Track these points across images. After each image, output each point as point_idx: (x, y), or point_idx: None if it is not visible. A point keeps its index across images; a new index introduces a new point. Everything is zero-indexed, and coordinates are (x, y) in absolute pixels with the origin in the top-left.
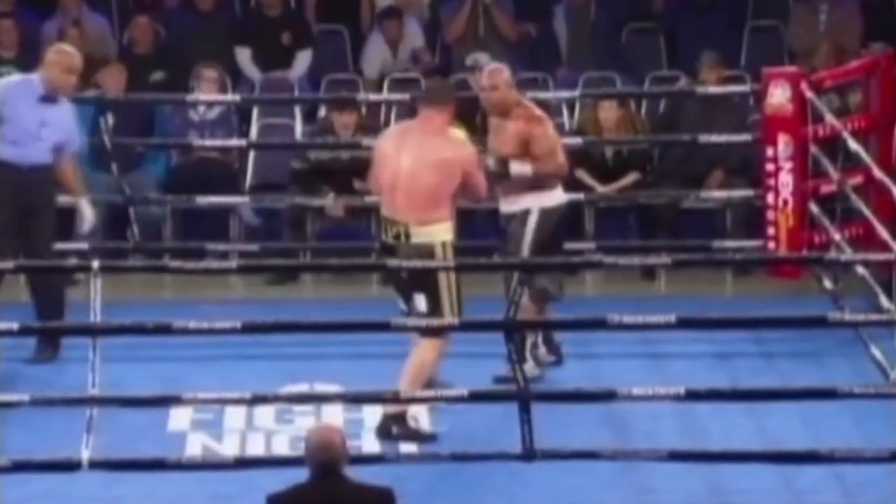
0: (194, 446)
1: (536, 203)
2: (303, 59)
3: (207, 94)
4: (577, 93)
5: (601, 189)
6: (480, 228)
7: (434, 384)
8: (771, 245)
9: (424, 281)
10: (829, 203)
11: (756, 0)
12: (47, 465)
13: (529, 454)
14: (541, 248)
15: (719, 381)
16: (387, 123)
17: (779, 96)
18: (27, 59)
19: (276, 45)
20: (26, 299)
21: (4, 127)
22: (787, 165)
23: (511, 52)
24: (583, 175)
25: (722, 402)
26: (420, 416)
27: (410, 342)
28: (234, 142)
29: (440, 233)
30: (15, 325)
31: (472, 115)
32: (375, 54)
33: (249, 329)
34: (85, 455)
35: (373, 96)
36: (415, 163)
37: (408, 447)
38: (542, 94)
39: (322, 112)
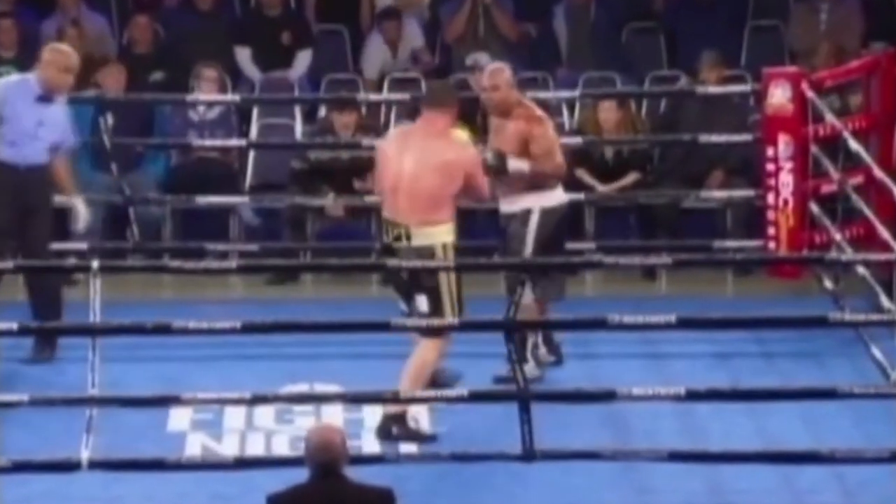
0: (194, 446)
1: (537, 203)
2: (303, 59)
3: (207, 94)
4: (577, 93)
5: (601, 188)
6: (480, 228)
7: (443, 376)
8: (771, 245)
9: (425, 282)
10: (830, 203)
11: (756, 0)
12: (47, 466)
13: (529, 454)
14: (543, 248)
15: (720, 381)
16: (387, 123)
17: (779, 96)
18: (26, 58)
19: (275, 44)
20: (24, 299)
21: (4, 127)
22: (788, 165)
23: (511, 51)
24: (583, 174)
25: (722, 402)
26: (420, 417)
27: (412, 342)
28: (234, 142)
29: (441, 234)
30: (14, 325)
31: (472, 115)
32: (375, 55)
33: (249, 329)
34: (84, 455)
35: (373, 96)
36: (416, 165)
37: (408, 447)
38: (542, 94)
39: (322, 112)
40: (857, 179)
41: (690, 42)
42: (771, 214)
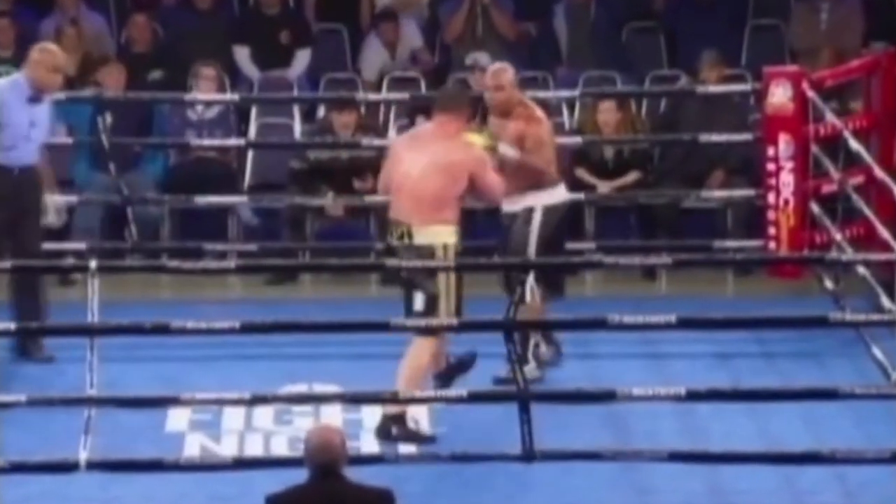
0: (192, 447)
1: (540, 201)
2: (302, 59)
3: (206, 94)
4: (577, 92)
5: (602, 188)
6: (481, 228)
7: (455, 364)
8: (772, 245)
9: (422, 281)
10: (831, 203)
11: None
12: (45, 466)
13: (529, 455)
14: (545, 246)
15: (720, 381)
16: (386, 123)
17: (780, 95)
18: (24, 58)
19: (274, 43)
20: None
21: (2, 133)
22: (788, 165)
23: (510, 51)
24: (583, 174)
25: (722, 402)
26: (420, 418)
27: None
28: (233, 141)
29: (443, 235)
30: (12, 326)
31: (472, 115)
32: (373, 57)
33: (248, 329)
34: (83, 456)
35: (372, 96)
36: (422, 166)
37: (407, 448)
38: (542, 94)
39: (321, 111)
40: (858, 179)
41: (691, 41)
42: (771, 214)
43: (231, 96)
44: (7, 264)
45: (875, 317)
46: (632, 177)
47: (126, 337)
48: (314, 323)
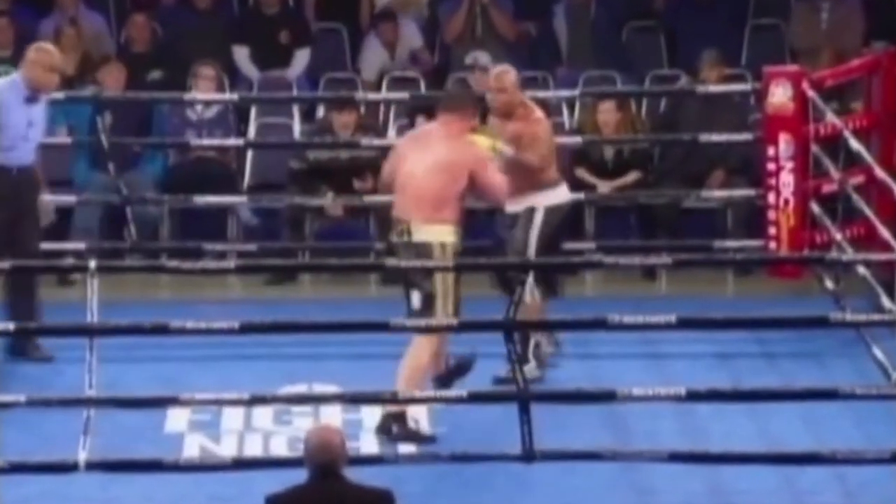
0: (192, 447)
1: (542, 201)
2: (301, 58)
3: (205, 93)
4: (577, 92)
5: (602, 187)
6: (480, 229)
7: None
8: (772, 245)
9: (420, 278)
10: (831, 203)
11: None
12: (44, 467)
13: (529, 455)
14: (545, 247)
15: (720, 381)
16: (385, 123)
17: (780, 95)
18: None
19: (274, 43)
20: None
21: (2, 134)
22: (789, 165)
23: (510, 51)
24: (583, 174)
25: (723, 402)
26: (420, 418)
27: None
28: (232, 141)
29: (441, 234)
30: (11, 326)
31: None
32: (373, 57)
33: (247, 329)
34: (82, 456)
35: (371, 95)
36: (423, 164)
37: (407, 448)
38: (542, 94)
39: (320, 111)
40: (858, 179)
41: (691, 41)
42: (771, 214)
43: (230, 96)
44: (6, 264)
45: (875, 317)
46: (632, 177)
47: (125, 337)
48: (314, 323)
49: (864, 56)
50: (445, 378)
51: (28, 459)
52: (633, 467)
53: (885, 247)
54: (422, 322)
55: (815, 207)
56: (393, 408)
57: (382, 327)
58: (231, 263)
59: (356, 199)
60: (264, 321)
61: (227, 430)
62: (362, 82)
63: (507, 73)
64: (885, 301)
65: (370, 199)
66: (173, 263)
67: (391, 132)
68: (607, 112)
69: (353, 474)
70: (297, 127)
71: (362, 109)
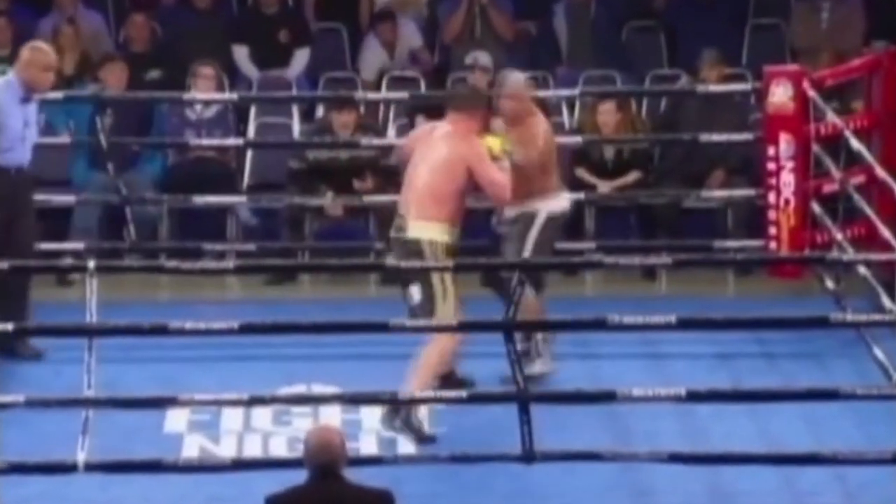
0: (191, 448)
1: (543, 207)
2: (301, 58)
3: (204, 93)
4: (577, 91)
5: (602, 187)
6: (480, 229)
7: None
8: (772, 245)
9: (417, 273)
10: (831, 202)
11: None
12: (43, 467)
13: (529, 456)
14: (540, 252)
15: (720, 381)
16: (385, 123)
17: (780, 95)
18: None
19: (273, 43)
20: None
21: (1, 135)
22: (789, 164)
23: (509, 50)
24: (583, 174)
25: (723, 403)
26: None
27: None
28: (232, 141)
29: (433, 231)
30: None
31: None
32: (372, 57)
33: (247, 330)
34: (81, 457)
35: (371, 95)
36: (425, 161)
37: (406, 448)
38: (542, 93)
39: (320, 111)
40: (859, 179)
41: (691, 40)
42: (772, 214)
43: (230, 96)
44: (5, 264)
45: (876, 317)
46: (632, 177)
47: (124, 337)
48: (313, 323)
49: (864, 56)
50: (444, 382)
51: (27, 460)
52: (633, 468)
53: (886, 247)
54: (421, 323)
55: (816, 207)
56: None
57: (382, 328)
58: (230, 263)
59: (356, 199)
60: (264, 321)
61: (226, 431)
62: (362, 82)
63: (521, 83)
64: (886, 301)
65: (370, 199)
66: (172, 263)
67: (391, 132)
68: (607, 112)
69: (353, 475)
70: (296, 127)
71: (362, 109)
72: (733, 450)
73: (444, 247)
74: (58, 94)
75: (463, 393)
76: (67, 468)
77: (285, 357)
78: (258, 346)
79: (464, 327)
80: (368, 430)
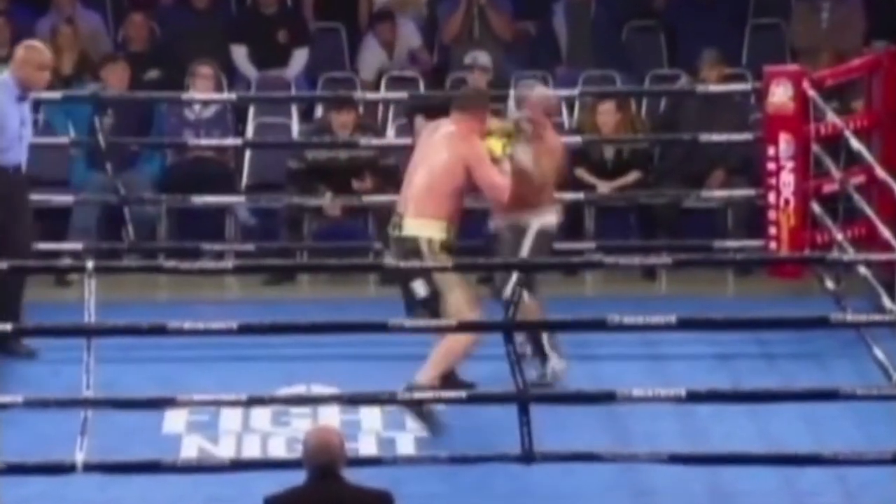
0: (190, 448)
1: (536, 221)
2: (299, 58)
3: (203, 93)
4: (576, 91)
5: (602, 188)
6: (480, 229)
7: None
8: (772, 245)
9: (417, 270)
10: (831, 203)
11: None
12: (42, 468)
13: (528, 456)
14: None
15: (720, 382)
16: (384, 123)
17: (780, 95)
18: None
19: (272, 43)
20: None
21: (1, 136)
22: (789, 165)
23: (508, 51)
24: (583, 174)
25: (723, 403)
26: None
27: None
28: (230, 141)
29: (429, 229)
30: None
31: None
32: (371, 57)
33: (245, 330)
34: (79, 457)
35: (370, 95)
36: (424, 159)
37: (406, 449)
38: None
39: (319, 111)
40: (859, 179)
41: (691, 40)
42: (772, 214)
43: (228, 96)
44: (4, 265)
45: (876, 317)
46: (632, 177)
47: (123, 338)
48: (312, 324)
49: (864, 55)
50: (447, 380)
51: (26, 460)
52: (633, 468)
53: (886, 247)
54: (421, 323)
55: (816, 207)
56: (422, 380)
57: (381, 328)
58: (229, 264)
59: (355, 199)
60: (262, 322)
61: (225, 431)
62: (361, 82)
63: (547, 96)
64: (886, 301)
65: (369, 199)
66: (171, 264)
67: (390, 132)
68: (607, 112)
69: (352, 475)
70: (295, 127)
71: (361, 109)
72: (733, 450)
73: (442, 244)
74: (56, 94)
75: (462, 393)
76: (66, 468)
77: (284, 357)
78: (257, 346)
79: (464, 327)
80: (367, 431)
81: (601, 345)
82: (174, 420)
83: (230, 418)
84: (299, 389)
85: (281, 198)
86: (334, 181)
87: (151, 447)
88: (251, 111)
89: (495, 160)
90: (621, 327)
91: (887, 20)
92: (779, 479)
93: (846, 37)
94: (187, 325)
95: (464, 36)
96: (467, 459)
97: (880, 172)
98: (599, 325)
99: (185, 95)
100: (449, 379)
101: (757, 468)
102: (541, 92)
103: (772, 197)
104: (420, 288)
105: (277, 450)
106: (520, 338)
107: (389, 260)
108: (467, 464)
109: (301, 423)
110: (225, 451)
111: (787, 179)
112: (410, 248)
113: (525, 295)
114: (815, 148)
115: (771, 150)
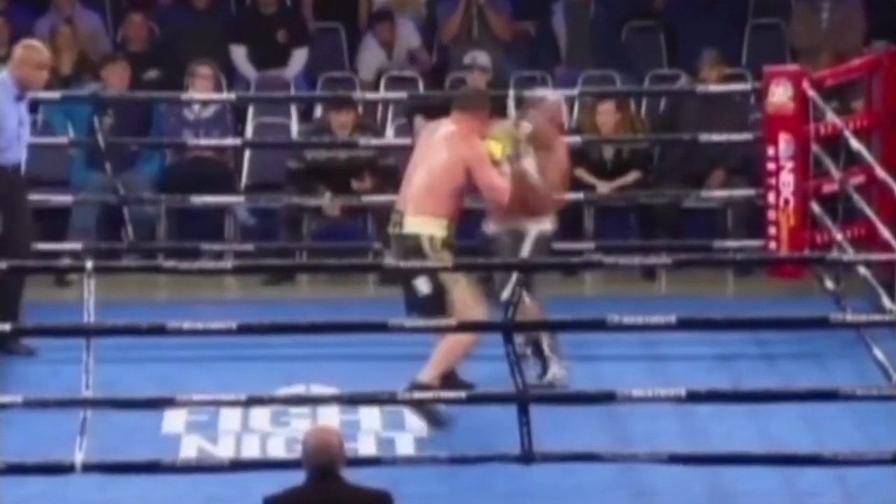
0: (189, 448)
1: (534, 227)
2: (299, 58)
3: (202, 93)
4: (576, 91)
5: (602, 188)
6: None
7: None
8: (772, 245)
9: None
10: (831, 203)
11: None
12: (41, 468)
13: (528, 457)
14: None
15: (720, 382)
16: (383, 123)
17: (780, 95)
18: None
19: (271, 42)
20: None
21: (0, 135)
22: (789, 165)
23: (507, 51)
24: (583, 174)
25: (723, 403)
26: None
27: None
28: (230, 141)
29: (430, 226)
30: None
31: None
32: (370, 57)
33: (245, 330)
34: (79, 457)
35: (369, 95)
36: (425, 158)
37: (405, 449)
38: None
39: (318, 111)
40: (859, 179)
41: (691, 40)
42: (772, 214)
43: (228, 96)
44: (3, 265)
45: (876, 317)
46: (631, 177)
47: (122, 338)
48: (311, 324)
49: (864, 55)
50: (447, 380)
51: (25, 460)
52: (633, 469)
53: (886, 247)
54: (421, 323)
55: (816, 207)
56: (424, 379)
57: (380, 328)
58: (228, 264)
59: (354, 199)
60: (262, 322)
61: (224, 432)
62: (360, 82)
63: (559, 106)
64: (886, 301)
65: (368, 199)
66: (170, 264)
67: (389, 132)
68: (606, 112)
69: (352, 475)
70: (294, 127)
71: (360, 109)
72: (733, 450)
73: (443, 241)
74: (56, 94)
75: (462, 393)
76: (65, 469)
77: (283, 357)
78: (256, 346)
79: (464, 327)
80: (367, 431)
81: (601, 345)
82: (173, 420)
83: (229, 418)
84: (299, 389)
85: (280, 198)
86: (333, 181)
87: (151, 447)
88: (250, 111)
89: (495, 162)
90: (621, 327)
91: (887, 20)
92: (779, 479)
93: (846, 37)
94: (187, 325)
95: (463, 36)
96: (467, 460)
97: (880, 172)
98: (599, 326)
99: (185, 95)
100: (449, 379)
101: (757, 468)
102: (553, 100)
103: (771, 197)
104: (423, 285)
105: (277, 450)
106: (520, 339)
107: (389, 260)
108: (467, 464)
109: (300, 423)
110: (224, 451)
111: (787, 179)
112: (412, 245)
113: (525, 296)
114: (814, 148)
115: (771, 150)
